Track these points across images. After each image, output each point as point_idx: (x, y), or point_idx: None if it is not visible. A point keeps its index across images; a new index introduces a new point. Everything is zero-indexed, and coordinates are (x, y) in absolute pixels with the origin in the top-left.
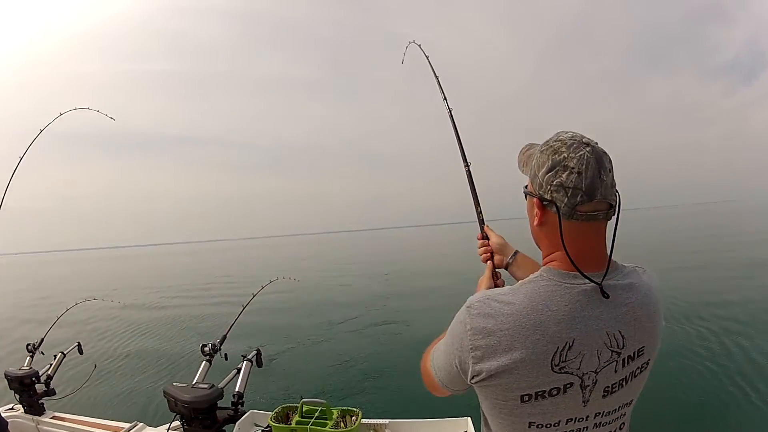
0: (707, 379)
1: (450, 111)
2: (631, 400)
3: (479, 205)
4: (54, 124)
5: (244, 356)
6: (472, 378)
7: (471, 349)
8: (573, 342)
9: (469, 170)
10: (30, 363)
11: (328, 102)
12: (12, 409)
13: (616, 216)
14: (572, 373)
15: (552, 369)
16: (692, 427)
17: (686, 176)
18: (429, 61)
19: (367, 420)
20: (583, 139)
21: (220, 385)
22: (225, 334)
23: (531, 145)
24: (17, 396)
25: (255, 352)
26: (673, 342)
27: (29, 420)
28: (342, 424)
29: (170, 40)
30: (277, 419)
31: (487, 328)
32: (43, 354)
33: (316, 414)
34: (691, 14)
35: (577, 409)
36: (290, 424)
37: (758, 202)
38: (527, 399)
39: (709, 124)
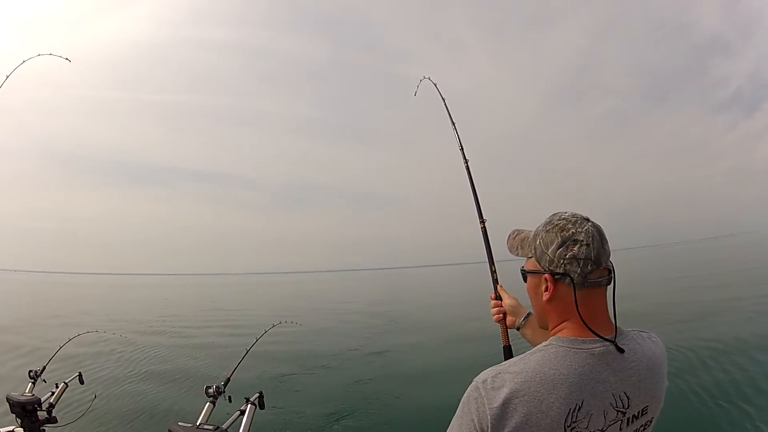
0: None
1: (467, 162)
2: None
3: (494, 264)
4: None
5: (247, 399)
6: None
7: (485, 411)
8: (582, 403)
9: (484, 226)
10: (32, 389)
11: (327, 141)
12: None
13: (613, 283)
14: None
15: (564, 430)
16: None
17: (692, 212)
18: (444, 100)
19: None
20: (583, 216)
21: (223, 426)
22: (228, 376)
23: (519, 231)
24: (18, 420)
25: (258, 394)
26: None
27: None
28: None
29: (174, 70)
30: None
31: (502, 398)
32: (45, 381)
33: None
34: (694, 50)
35: None
36: None
37: (763, 235)
38: None
39: (714, 159)
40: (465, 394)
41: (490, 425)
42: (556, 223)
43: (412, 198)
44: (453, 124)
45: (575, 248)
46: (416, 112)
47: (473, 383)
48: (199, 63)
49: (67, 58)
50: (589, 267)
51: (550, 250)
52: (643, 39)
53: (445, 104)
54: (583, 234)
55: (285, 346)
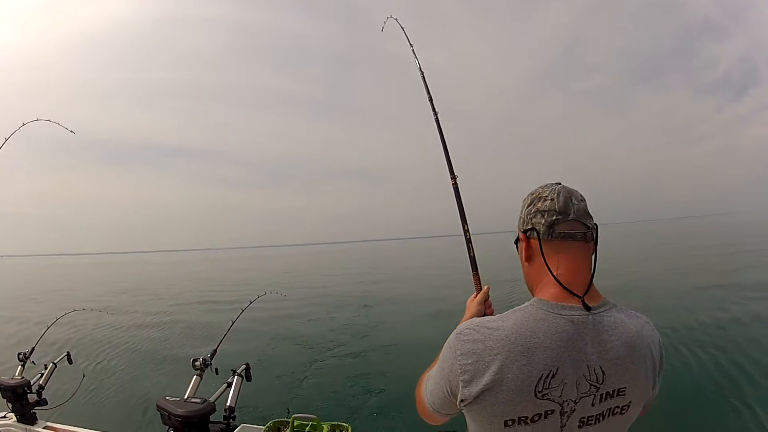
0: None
1: (436, 114)
2: None
3: (467, 224)
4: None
5: (234, 370)
6: (462, 401)
7: (461, 372)
8: (557, 370)
9: (456, 182)
10: (21, 372)
11: (310, 116)
12: (5, 417)
13: (595, 243)
14: (553, 401)
15: (535, 395)
16: None
17: (679, 191)
18: (411, 45)
19: None
20: (555, 182)
21: (211, 399)
22: (215, 348)
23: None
24: (9, 405)
25: (244, 366)
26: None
27: (22, 429)
28: None
29: (157, 49)
30: None
31: (476, 353)
32: (34, 363)
33: (307, 429)
34: (684, 30)
35: None
36: None
37: (748, 216)
38: (510, 424)
39: (701, 139)
40: (445, 344)
41: (461, 381)
42: (531, 191)
43: (394, 171)
44: (421, 70)
45: (539, 203)
46: (399, 87)
47: (453, 333)
48: (179, 40)
49: (72, 131)
50: (554, 217)
51: (522, 212)
52: (631, 18)
53: (412, 48)
54: (548, 191)
55: (271, 318)
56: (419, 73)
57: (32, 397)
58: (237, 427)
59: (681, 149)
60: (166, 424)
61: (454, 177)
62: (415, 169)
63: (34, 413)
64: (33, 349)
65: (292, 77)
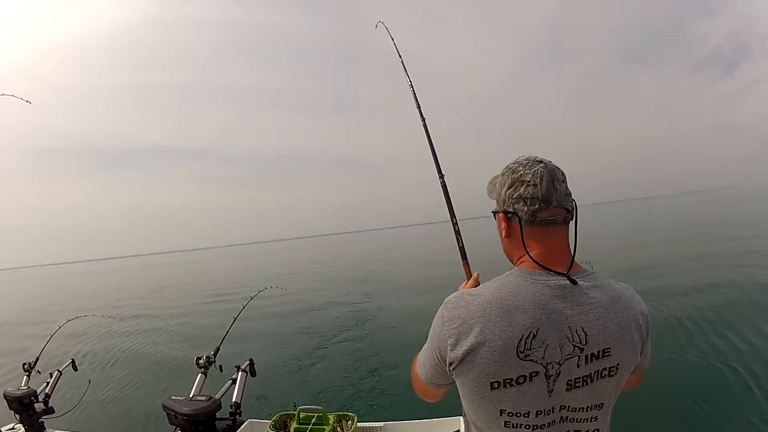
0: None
1: (423, 120)
2: (602, 404)
3: (455, 217)
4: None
5: (238, 366)
6: (450, 365)
7: (447, 336)
8: (537, 331)
9: (444, 181)
10: (27, 382)
11: (307, 112)
12: (13, 429)
13: (575, 221)
14: (536, 362)
15: (518, 356)
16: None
17: (674, 167)
18: (396, 46)
19: (362, 423)
20: (537, 158)
21: (216, 396)
22: (218, 346)
23: (495, 177)
24: (17, 416)
25: (248, 362)
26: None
27: None
28: (339, 429)
29: (147, 52)
30: (275, 427)
31: (460, 317)
32: (39, 372)
33: (313, 420)
34: (673, 8)
35: (543, 399)
36: (288, 431)
37: (741, 191)
38: (496, 386)
39: (694, 116)
40: (435, 316)
41: (448, 344)
42: (510, 166)
43: (390, 163)
44: (405, 71)
45: (522, 189)
46: (392, 80)
47: (442, 304)
48: (174, 41)
49: (27, 101)
50: (537, 205)
51: (503, 191)
52: None
53: (397, 50)
54: (530, 175)
55: (273, 312)
56: (408, 83)
57: (39, 407)
58: (243, 422)
59: (674, 127)
60: (173, 424)
61: (442, 176)
62: (414, 159)
63: (42, 422)
64: (37, 358)
65: (289, 73)
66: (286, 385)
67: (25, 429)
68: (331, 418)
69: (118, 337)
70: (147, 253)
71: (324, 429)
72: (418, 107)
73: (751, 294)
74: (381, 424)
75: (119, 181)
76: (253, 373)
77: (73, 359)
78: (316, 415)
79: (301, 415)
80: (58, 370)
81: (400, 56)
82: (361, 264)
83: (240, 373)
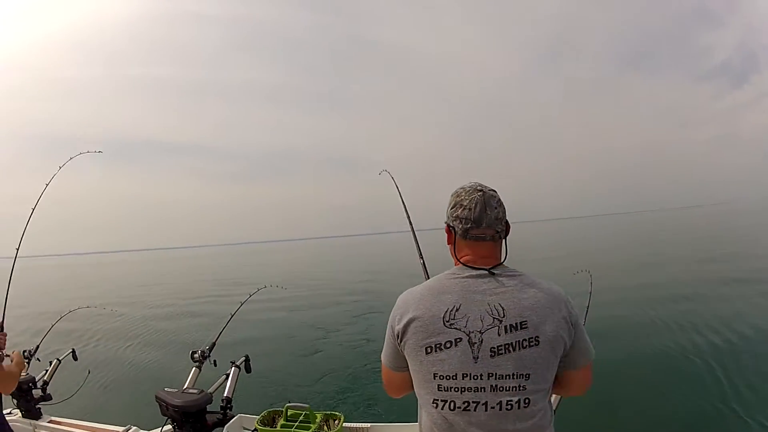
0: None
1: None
2: (528, 375)
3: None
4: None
5: (233, 362)
6: (398, 338)
7: (396, 315)
8: (460, 306)
9: (423, 263)
10: (26, 369)
11: (305, 109)
12: (10, 413)
13: (505, 237)
14: (460, 329)
15: (444, 324)
16: None
17: (677, 180)
18: (400, 193)
19: (349, 424)
20: (478, 187)
21: (209, 391)
22: (214, 341)
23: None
24: (15, 401)
25: (243, 358)
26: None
27: (27, 424)
28: (325, 428)
29: (149, 45)
30: (263, 423)
31: (405, 299)
32: (39, 360)
33: (300, 418)
34: (680, 18)
35: (469, 364)
36: (275, 427)
37: (747, 205)
38: (429, 350)
39: (698, 126)
40: None
41: (395, 320)
42: (456, 191)
43: (401, 163)
44: (407, 213)
45: (459, 210)
46: (395, 80)
47: None
48: (176, 36)
49: (99, 151)
50: (469, 225)
51: (447, 209)
52: (626, 4)
53: (400, 195)
54: (467, 201)
55: (271, 310)
56: (405, 215)
57: (37, 393)
58: (233, 417)
59: (680, 136)
60: (165, 415)
61: (422, 257)
62: (419, 161)
63: (39, 408)
64: (38, 346)
65: (289, 70)
66: (278, 383)
67: (22, 414)
68: (318, 416)
69: (118, 328)
70: (146, 248)
71: (310, 427)
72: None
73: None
74: (368, 425)
75: (117, 173)
76: (248, 370)
77: (73, 349)
78: (303, 413)
79: (288, 413)
80: (58, 359)
81: (403, 202)
82: (362, 267)
83: (234, 368)
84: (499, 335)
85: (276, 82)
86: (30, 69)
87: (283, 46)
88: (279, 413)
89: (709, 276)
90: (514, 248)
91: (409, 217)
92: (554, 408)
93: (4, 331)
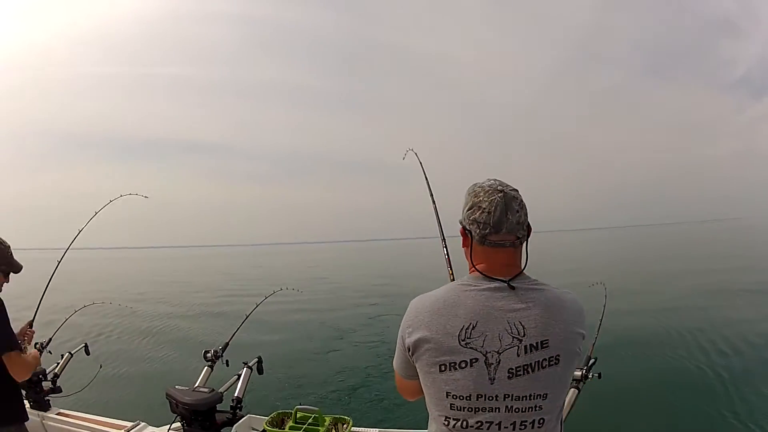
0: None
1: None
2: (546, 394)
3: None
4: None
5: (245, 363)
6: (409, 351)
7: (407, 327)
8: (476, 323)
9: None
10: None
11: (328, 111)
12: None
13: (526, 243)
14: (476, 350)
15: (459, 343)
16: None
17: (696, 193)
18: (424, 171)
19: (357, 428)
20: (498, 187)
21: (220, 390)
22: (227, 341)
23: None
24: (24, 392)
25: (256, 359)
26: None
27: (35, 415)
28: (333, 431)
29: (174, 44)
30: (272, 424)
31: (416, 309)
32: (51, 353)
33: (309, 421)
34: (703, 29)
35: (485, 385)
36: (284, 429)
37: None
38: (443, 369)
39: (719, 140)
40: None
41: (406, 332)
42: (474, 189)
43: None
44: (431, 193)
45: (477, 213)
46: (415, 83)
47: None
48: (200, 35)
49: (146, 196)
50: (487, 230)
51: (463, 210)
52: (651, 13)
53: (425, 174)
54: (487, 203)
55: (287, 312)
56: (431, 200)
57: (47, 385)
58: (243, 417)
59: (700, 150)
60: (174, 412)
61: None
62: (445, 168)
63: (48, 400)
64: (50, 339)
65: (311, 71)
66: (289, 385)
67: (31, 405)
68: (327, 420)
69: (132, 325)
70: (165, 245)
71: (319, 430)
72: (439, 223)
73: None
74: (376, 430)
75: (141, 171)
76: (260, 371)
77: (86, 343)
78: (313, 415)
79: (297, 415)
80: (70, 353)
81: (426, 178)
82: (379, 272)
83: (246, 369)
84: (518, 356)
85: (300, 85)
86: (59, 64)
87: (303, 46)
88: (288, 415)
89: (727, 286)
90: (532, 255)
91: (432, 196)
92: (563, 419)
93: (33, 328)
